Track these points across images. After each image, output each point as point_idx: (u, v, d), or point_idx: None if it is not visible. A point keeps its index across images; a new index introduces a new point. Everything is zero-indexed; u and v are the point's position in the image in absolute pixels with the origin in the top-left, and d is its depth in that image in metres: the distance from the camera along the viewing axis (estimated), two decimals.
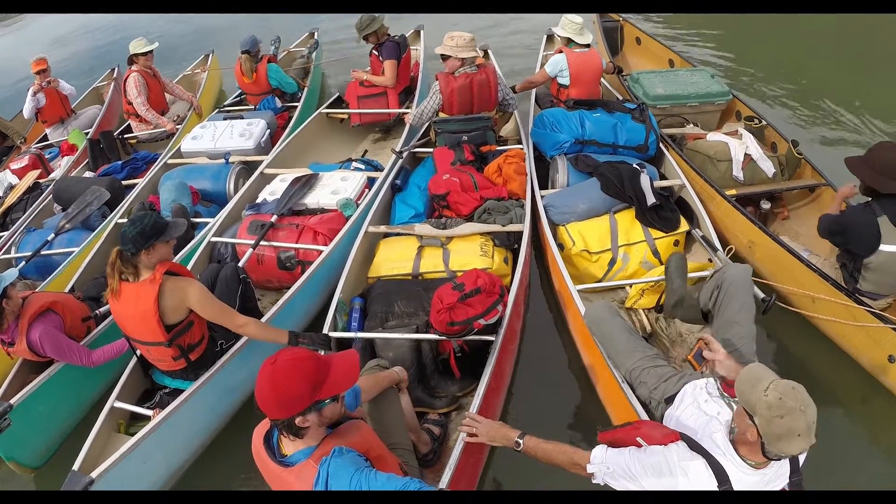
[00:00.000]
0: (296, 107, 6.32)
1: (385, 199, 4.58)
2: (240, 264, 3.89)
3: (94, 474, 2.76)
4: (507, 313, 3.21)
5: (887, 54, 7.07)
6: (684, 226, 3.94)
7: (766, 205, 4.30)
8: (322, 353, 3.17)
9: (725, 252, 3.61)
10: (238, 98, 6.74)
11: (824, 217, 3.47)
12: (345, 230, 4.17)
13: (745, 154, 4.36)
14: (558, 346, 3.87)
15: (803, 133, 5.55)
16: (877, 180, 3.21)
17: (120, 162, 5.64)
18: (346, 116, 6.02)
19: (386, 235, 4.26)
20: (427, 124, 5.10)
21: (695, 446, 2.08)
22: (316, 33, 8.05)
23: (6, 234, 4.99)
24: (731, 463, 2.02)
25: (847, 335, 3.43)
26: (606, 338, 2.97)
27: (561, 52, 5.12)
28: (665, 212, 3.97)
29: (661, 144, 4.65)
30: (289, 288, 3.80)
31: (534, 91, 5.65)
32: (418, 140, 5.21)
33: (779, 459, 1.95)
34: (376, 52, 5.73)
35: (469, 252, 3.84)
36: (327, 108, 6.08)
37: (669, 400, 2.57)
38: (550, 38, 6.80)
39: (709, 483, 2.02)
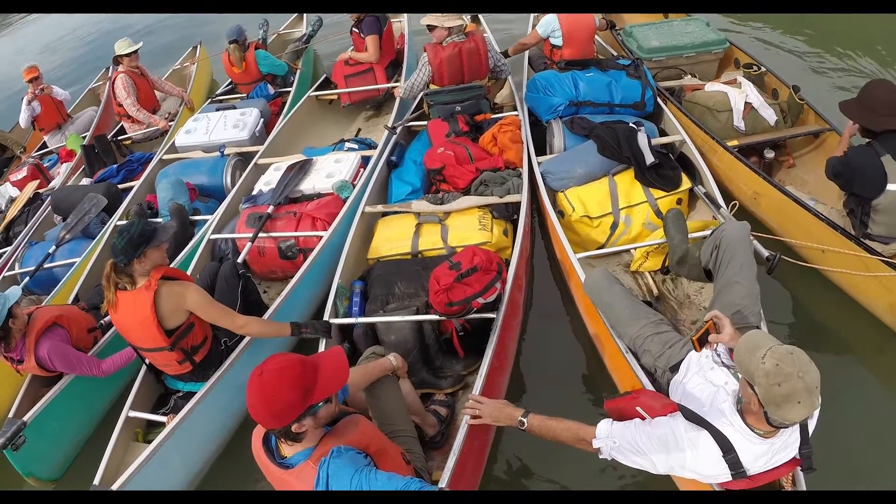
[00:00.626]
0: (289, 92, 6.22)
1: (381, 178, 4.51)
2: (240, 259, 3.88)
3: (114, 486, 2.76)
4: (508, 289, 3.16)
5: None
6: (686, 183, 3.84)
7: (769, 154, 4.18)
8: (324, 340, 3.19)
9: (729, 209, 3.52)
10: (229, 87, 6.66)
11: (831, 159, 3.36)
12: (343, 213, 4.12)
13: (746, 102, 4.23)
14: (564, 319, 3.81)
15: (805, 79, 5.35)
16: (871, 119, 3.15)
17: (116, 165, 5.60)
18: (335, 97, 5.93)
19: (384, 215, 4.20)
20: (419, 97, 5.01)
21: (693, 417, 2.03)
22: (305, 15, 7.91)
23: (9, 249, 5.00)
24: (738, 433, 1.97)
25: (859, 285, 3.34)
26: (607, 306, 2.91)
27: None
28: (665, 170, 3.86)
29: (658, 99, 4.52)
30: (293, 277, 3.77)
31: (527, 54, 5.51)
32: (412, 113, 5.12)
33: (785, 427, 1.90)
34: (356, 30, 5.63)
35: (467, 227, 3.77)
36: (315, 90, 5.99)
37: (675, 368, 2.52)
38: None
39: (715, 453, 1.98)
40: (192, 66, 7.58)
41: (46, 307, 3.64)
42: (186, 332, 3.04)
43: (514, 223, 3.86)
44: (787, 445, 2.00)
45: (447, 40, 4.62)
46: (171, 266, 3.37)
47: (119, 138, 6.21)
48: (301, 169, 4.54)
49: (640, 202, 3.79)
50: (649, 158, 3.81)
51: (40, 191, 5.72)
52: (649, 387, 2.59)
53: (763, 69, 4.75)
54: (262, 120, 5.57)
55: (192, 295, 2.94)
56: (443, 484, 2.36)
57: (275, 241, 4.08)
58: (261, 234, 4.05)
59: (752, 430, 1.96)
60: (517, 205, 3.88)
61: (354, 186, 4.37)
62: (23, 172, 5.92)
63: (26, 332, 3.29)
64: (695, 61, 5.08)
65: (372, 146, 5.03)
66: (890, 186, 3.10)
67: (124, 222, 4.53)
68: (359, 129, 5.93)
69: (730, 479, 2.02)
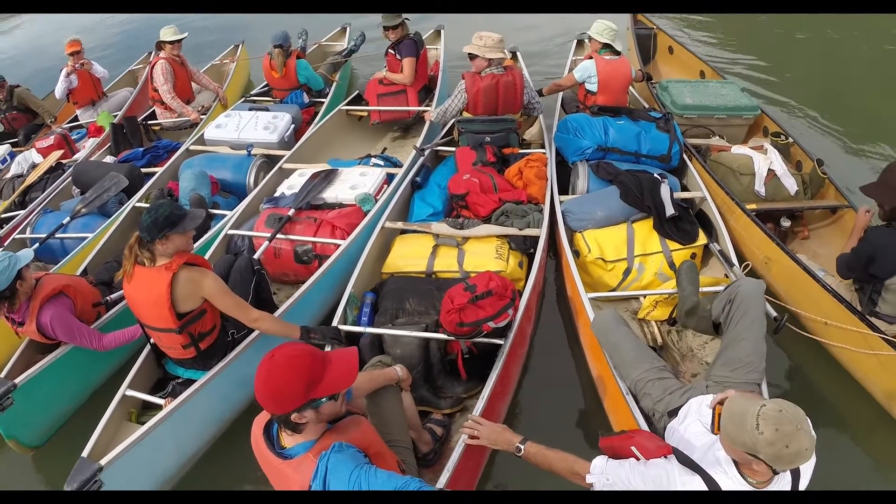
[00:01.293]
0: (322, 102, 6.35)
1: (404, 196, 4.58)
2: (255, 256, 3.92)
3: (103, 461, 2.76)
4: (518, 318, 3.20)
5: None
6: (702, 239, 3.90)
7: (786, 222, 4.24)
8: (330, 347, 3.21)
9: (742, 268, 3.56)
10: (265, 89, 6.77)
11: (842, 256, 3.41)
12: (362, 225, 4.18)
13: (769, 169, 4.29)
14: (568, 356, 3.84)
15: (830, 154, 5.42)
16: (894, 197, 3.18)
17: (141, 148, 5.66)
18: (365, 114, 6.03)
19: (403, 232, 4.26)
20: (450, 123, 5.09)
21: (688, 462, 2.05)
22: (348, 29, 8.07)
23: (23, 212, 5.03)
24: (731, 482, 1.98)
25: (858, 361, 3.36)
26: (613, 347, 2.94)
27: (590, 58, 5.08)
28: (684, 224, 3.93)
29: (684, 155, 4.61)
30: (305, 282, 3.80)
31: (560, 96, 5.62)
32: (441, 138, 5.21)
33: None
34: (392, 51, 5.76)
35: (484, 254, 3.82)
36: (347, 104, 6.09)
37: (673, 413, 2.54)
38: (580, 43, 6.79)
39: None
40: (232, 63, 7.73)
41: (55, 275, 3.66)
42: (197, 318, 3.06)
43: (530, 256, 3.91)
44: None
45: (486, 71, 4.72)
46: None
47: (149, 122, 6.30)
48: (326, 177, 4.60)
49: (656, 252, 3.85)
50: (670, 210, 3.87)
51: (63, 161, 5.77)
52: (645, 428, 2.61)
53: (790, 140, 4.82)
54: (293, 126, 5.66)
55: (209, 282, 2.98)
56: None
57: (292, 244, 4.12)
58: (279, 236, 4.10)
59: (746, 480, 1.97)
60: (535, 239, 3.94)
61: (377, 201, 4.43)
62: (49, 140, 5.97)
63: (32, 297, 3.31)
64: (725, 123, 5.16)
65: (397, 165, 5.10)
66: None
67: (145, 204, 4.60)
68: (384, 148, 6.02)
69: None
